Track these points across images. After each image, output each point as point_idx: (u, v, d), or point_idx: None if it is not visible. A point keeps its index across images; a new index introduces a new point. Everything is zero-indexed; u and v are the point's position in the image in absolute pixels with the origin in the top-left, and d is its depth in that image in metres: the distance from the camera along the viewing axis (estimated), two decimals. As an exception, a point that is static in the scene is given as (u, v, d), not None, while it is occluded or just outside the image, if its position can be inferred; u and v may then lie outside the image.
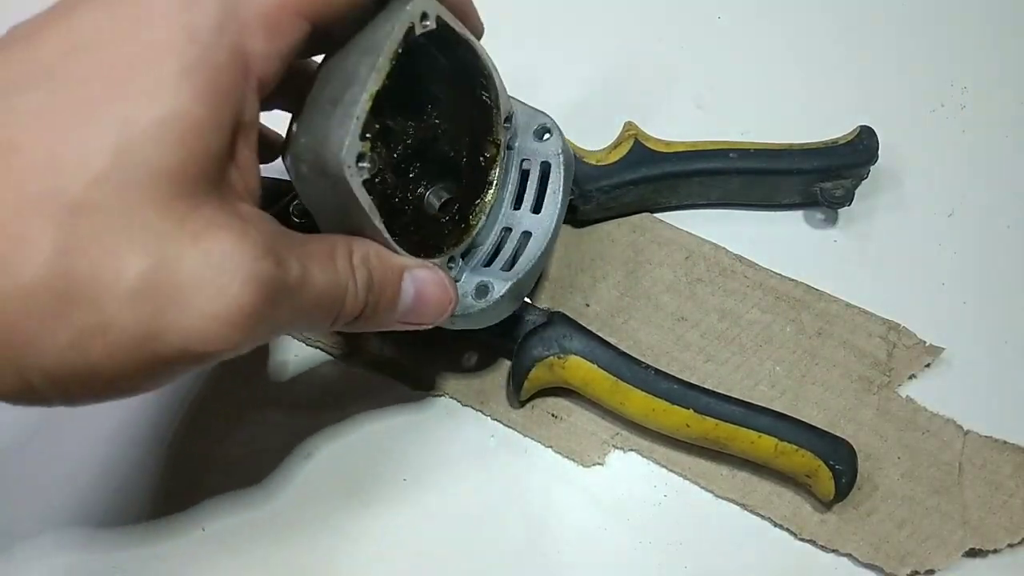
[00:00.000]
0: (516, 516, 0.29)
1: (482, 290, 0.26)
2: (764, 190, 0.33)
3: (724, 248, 0.33)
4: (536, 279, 0.28)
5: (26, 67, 0.17)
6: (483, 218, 0.27)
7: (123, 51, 0.17)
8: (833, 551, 0.28)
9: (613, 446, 0.30)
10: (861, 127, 0.32)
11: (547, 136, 0.28)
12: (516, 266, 0.27)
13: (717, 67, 0.38)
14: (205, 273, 0.17)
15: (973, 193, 0.35)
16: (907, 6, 0.39)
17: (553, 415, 0.31)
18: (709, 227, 0.34)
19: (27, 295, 0.16)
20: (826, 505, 0.28)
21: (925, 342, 0.31)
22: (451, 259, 0.26)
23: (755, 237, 0.33)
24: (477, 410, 0.31)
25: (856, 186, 0.33)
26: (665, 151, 0.32)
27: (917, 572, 0.28)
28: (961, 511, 0.29)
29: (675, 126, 0.34)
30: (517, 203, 0.28)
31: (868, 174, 0.33)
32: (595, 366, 0.28)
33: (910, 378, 0.31)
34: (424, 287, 0.23)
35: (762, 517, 0.29)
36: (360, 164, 0.21)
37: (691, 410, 0.28)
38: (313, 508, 0.30)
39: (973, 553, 0.28)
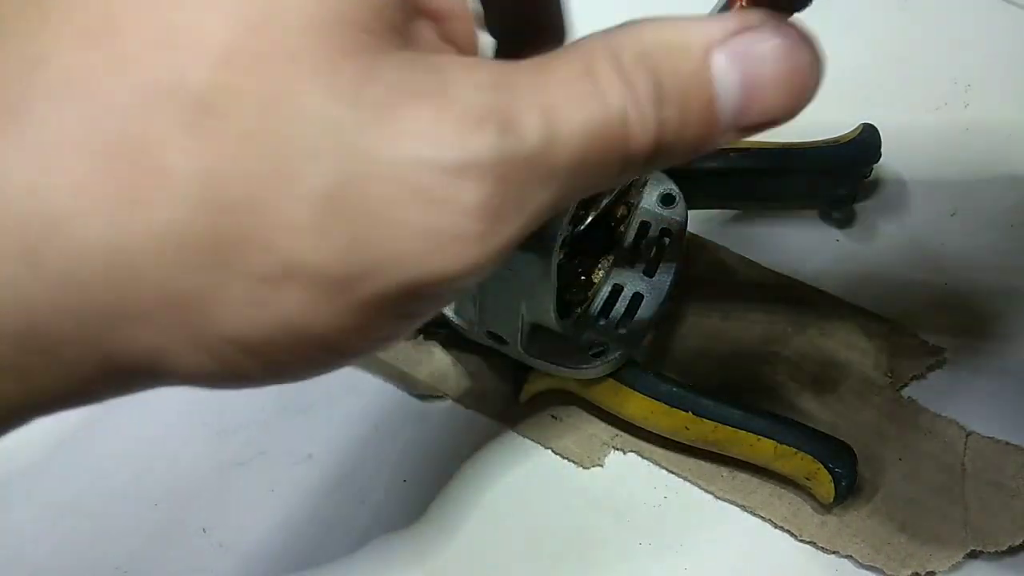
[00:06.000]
0: (515, 517, 0.29)
1: (597, 350, 0.27)
2: (765, 190, 0.33)
3: (725, 247, 0.33)
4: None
5: None
6: (603, 275, 0.28)
7: None
8: (834, 553, 0.28)
9: (613, 447, 0.30)
10: (863, 125, 0.32)
11: (673, 204, 0.29)
12: (629, 330, 0.28)
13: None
14: (403, 171, 0.12)
15: (976, 192, 0.34)
16: (909, 3, 0.39)
17: (553, 416, 0.31)
18: (709, 227, 0.34)
19: (172, 241, 0.11)
20: (826, 508, 0.28)
21: (927, 343, 0.31)
22: (570, 314, 0.27)
23: (756, 236, 0.33)
24: (477, 411, 0.31)
25: (858, 185, 0.33)
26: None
27: (918, 574, 0.28)
28: (963, 513, 0.28)
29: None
30: (630, 262, 0.29)
31: (871, 173, 0.33)
32: (594, 368, 0.28)
33: (912, 379, 0.31)
34: (753, 65, 0.13)
35: (762, 518, 0.29)
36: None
37: (689, 412, 0.28)
38: (313, 508, 0.30)
39: (975, 555, 0.28)
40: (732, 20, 0.14)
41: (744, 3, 0.15)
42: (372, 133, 0.12)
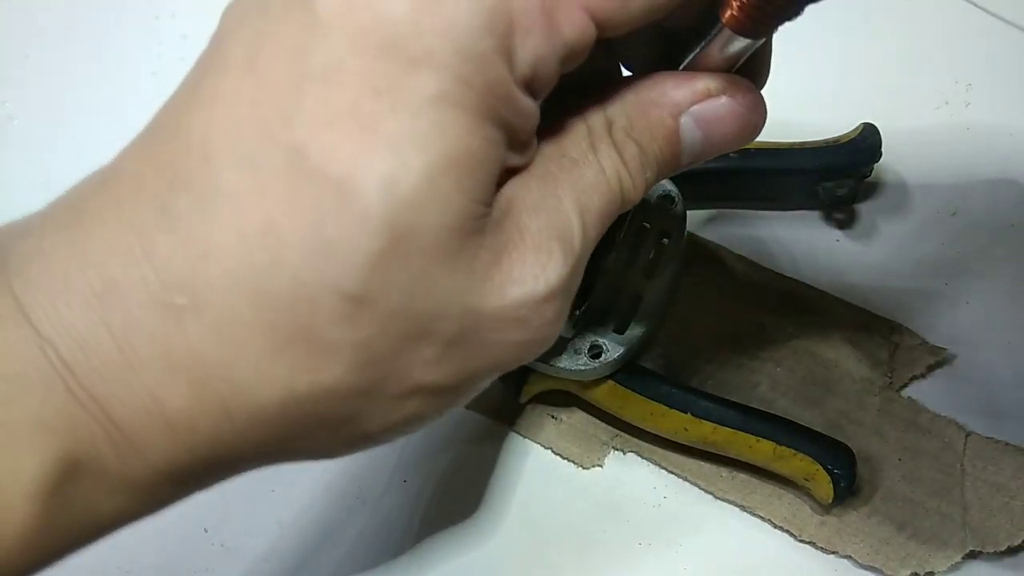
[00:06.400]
0: (515, 517, 0.29)
1: (596, 351, 0.27)
2: (765, 190, 0.33)
3: (724, 247, 0.33)
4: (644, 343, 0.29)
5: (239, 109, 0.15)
6: (602, 276, 0.28)
7: (362, 76, 0.14)
8: (833, 553, 0.28)
9: (612, 448, 0.30)
10: (864, 124, 0.32)
11: (673, 204, 0.29)
12: (629, 331, 0.28)
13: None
14: (507, 311, 0.16)
15: (977, 192, 0.34)
16: (910, 1, 0.39)
17: (553, 416, 0.31)
18: (709, 227, 0.33)
19: (333, 392, 0.15)
20: (825, 508, 0.28)
21: (927, 343, 0.31)
22: (569, 315, 0.27)
23: (756, 237, 0.33)
24: (477, 412, 0.31)
25: (858, 185, 0.33)
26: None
27: (917, 574, 0.28)
28: (962, 513, 0.28)
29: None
30: (629, 263, 0.29)
31: (871, 173, 0.32)
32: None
33: (912, 379, 0.31)
34: (713, 125, 0.18)
35: (762, 519, 0.29)
36: None
37: (689, 414, 0.28)
38: (314, 510, 0.30)
39: (974, 555, 0.28)
40: (699, 83, 0.18)
41: (736, 12, 0.16)
42: (483, 291, 0.16)
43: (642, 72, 0.19)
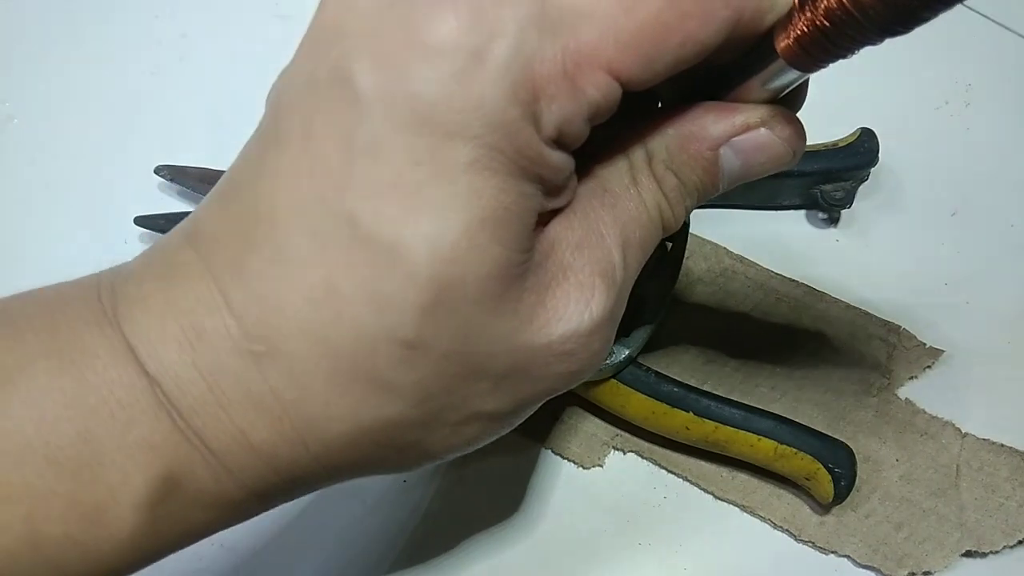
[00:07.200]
0: (516, 517, 0.30)
1: None
2: (763, 192, 0.33)
3: (724, 248, 0.33)
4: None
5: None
6: None
7: (403, 150, 0.15)
8: (832, 552, 0.29)
9: (613, 447, 0.30)
10: (861, 129, 0.32)
11: None
12: (632, 332, 0.28)
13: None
14: (554, 346, 0.17)
15: (976, 192, 0.35)
16: None
17: (553, 416, 0.31)
18: (709, 227, 0.34)
19: (398, 424, 0.17)
20: (825, 507, 0.29)
21: (925, 344, 0.31)
22: None
23: (755, 237, 0.33)
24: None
25: (856, 187, 0.33)
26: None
27: (914, 574, 0.28)
28: (958, 513, 0.29)
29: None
30: None
31: (868, 176, 0.33)
32: (595, 370, 0.28)
33: (910, 379, 0.31)
34: (749, 157, 0.19)
35: (762, 518, 0.29)
36: None
37: (690, 413, 0.28)
38: (314, 512, 0.30)
39: (970, 555, 0.28)
40: (738, 117, 0.18)
41: (792, 42, 0.16)
42: (530, 330, 0.17)
43: (679, 101, 0.19)
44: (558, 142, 0.16)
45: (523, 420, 0.20)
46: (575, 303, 0.17)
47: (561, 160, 0.17)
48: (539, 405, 0.19)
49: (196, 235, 0.17)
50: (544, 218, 0.18)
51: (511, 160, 0.16)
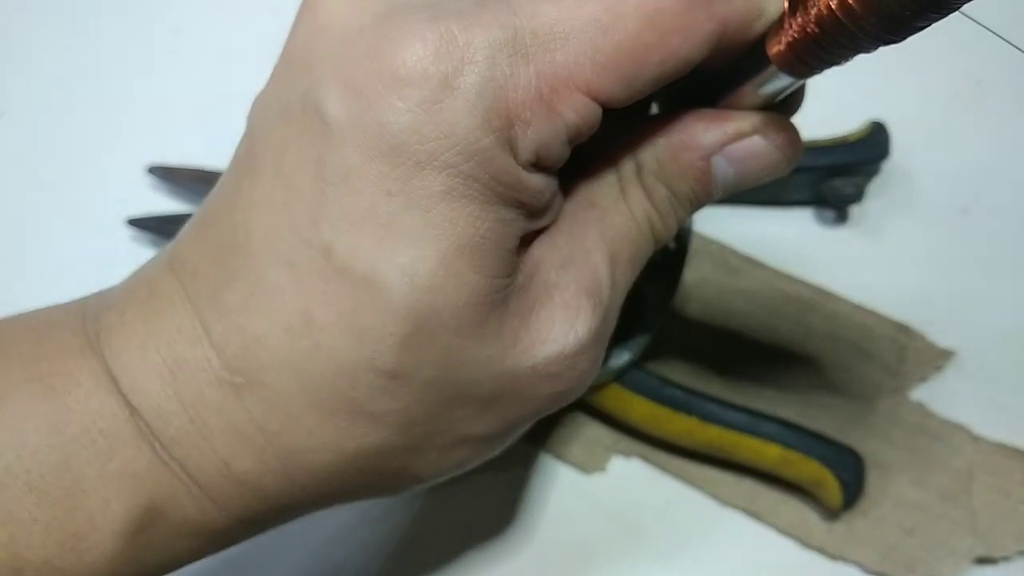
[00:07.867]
0: (517, 522, 0.29)
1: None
2: (772, 188, 0.32)
3: (731, 248, 0.33)
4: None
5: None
6: None
7: (375, 180, 0.15)
8: (840, 559, 0.28)
9: (616, 452, 0.30)
10: (872, 123, 0.31)
11: None
12: (634, 336, 0.27)
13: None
14: (539, 368, 0.17)
15: (988, 189, 0.34)
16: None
17: (554, 421, 0.30)
18: (715, 226, 0.33)
19: (380, 450, 0.17)
20: (833, 514, 0.28)
21: (936, 345, 0.31)
22: None
23: (763, 236, 0.33)
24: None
25: (867, 183, 0.32)
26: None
27: (925, 580, 0.27)
28: (970, 518, 0.28)
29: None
30: None
31: (879, 171, 0.32)
32: (598, 373, 0.28)
33: (920, 381, 0.30)
34: (743, 165, 0.18)
35: (768, 525, 0.29)
36: None
37: (694, 417, 0.27)
38: (309, 520, 0.29)
39: (982, 561, 0.28)
40: (730, 125, 0.17)
41: (784, 48, 0.15)
42: (514, 354, 0.17)
43: (669, 109, 0.19)
44: (537, 165, 0.16)
45: (513, 439, 0.19)
46: (560, 324, 0.17)
47: (541, 183, 0.16)
48: (529, 426, 0.19)
49: (177, 262, 0.17)
50: (529, 238, 0.17)
51: (487, 187, 0.15)
